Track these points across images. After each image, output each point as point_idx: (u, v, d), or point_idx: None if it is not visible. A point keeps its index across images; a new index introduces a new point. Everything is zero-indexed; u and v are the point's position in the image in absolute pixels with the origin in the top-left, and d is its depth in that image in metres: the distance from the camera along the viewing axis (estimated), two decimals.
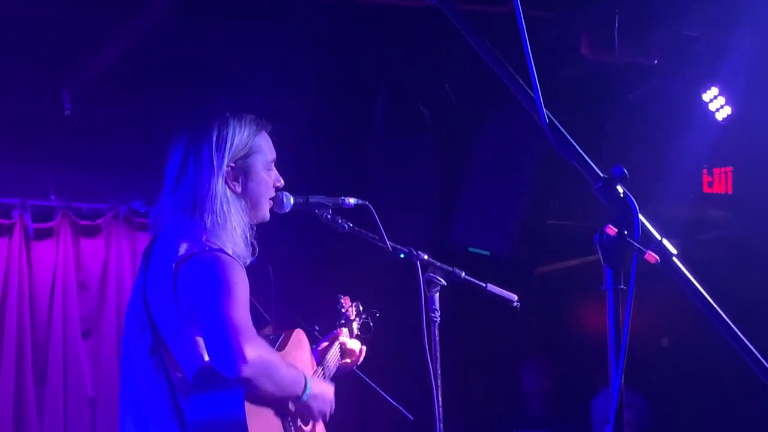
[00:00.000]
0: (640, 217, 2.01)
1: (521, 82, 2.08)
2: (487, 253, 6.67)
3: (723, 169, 6.48)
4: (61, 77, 6.21)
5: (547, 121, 2.06)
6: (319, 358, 3.73)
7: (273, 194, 3.40)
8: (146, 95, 6.42)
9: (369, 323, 4.14)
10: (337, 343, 3.84)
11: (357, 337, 4.03)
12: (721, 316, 2.01)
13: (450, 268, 3.91)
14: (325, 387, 3.33)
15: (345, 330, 3.96)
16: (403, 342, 4.35)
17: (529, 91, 2.06)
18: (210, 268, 3.02)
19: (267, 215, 3.38)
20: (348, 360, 3.90)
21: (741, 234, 6.83)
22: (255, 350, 2.88)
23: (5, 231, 6.47)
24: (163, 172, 3.28)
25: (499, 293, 4.01)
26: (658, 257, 2.00)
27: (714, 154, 6.43)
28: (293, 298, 6.62)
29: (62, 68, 6.13)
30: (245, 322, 2.94)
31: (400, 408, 4.40)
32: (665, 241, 2.03)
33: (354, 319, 4.07)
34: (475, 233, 6.79)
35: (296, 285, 6.83)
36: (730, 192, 6.47)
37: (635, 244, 1.99)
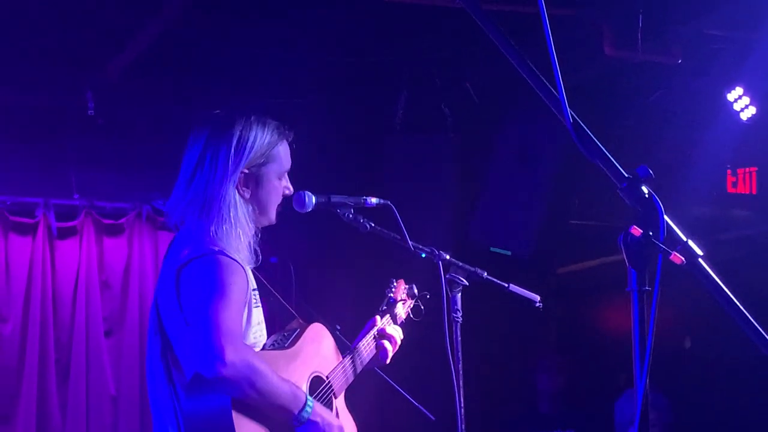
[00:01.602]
0: (666, 218, 2.00)
1: (545, 81, 2.07)
2: (509, 252, 6.64)
3: (747, 170, 6.44)
4: (85, 77, 6.25)
5: (572, 120, 2.04)
6: (353, 346, 3.69)
7: (280, 201, 3.37)
8: (169, 95, 6.46)
9: (420, 306, 4.10)
10: (372, 331, 3.80)
11: (407, 319, 3.99)
12: (748, 317, 2.00)
13: (472, 268, 3.90)
14: (330, 418, 3.21)
15: (387, 316, 3.91)
16: (425, 342, 4.34)
17: (554, 90, 2.04)
18: (205, 270, 3.03)
19: (273, 219, 3.36)
20: (388, 346, 3.78)
21: (765, 234, 6.79)
22: (236, 353, 2.85)
23: (29, 230, 6.51)
24: (180, 164, 3.28)
25: (521, 293, 4.00)
26: (683, 258, 1.99)
27: (738, 154, 6.39)
28: (315, 297, 6.64)
29: (86, 68, 6.16)
30: (232, 323, 2.92)
31: (422, 408, 4.39)
32: (691, 243, 2.01)
33: (402, 302, 4.00)
34: (497, 233, 6.77)
35: (317, 284, 6.84)
36: (754, 192, 6.43)
37: (660, 245, 1.98)
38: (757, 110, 6.01)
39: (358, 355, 3.67)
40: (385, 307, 3.94)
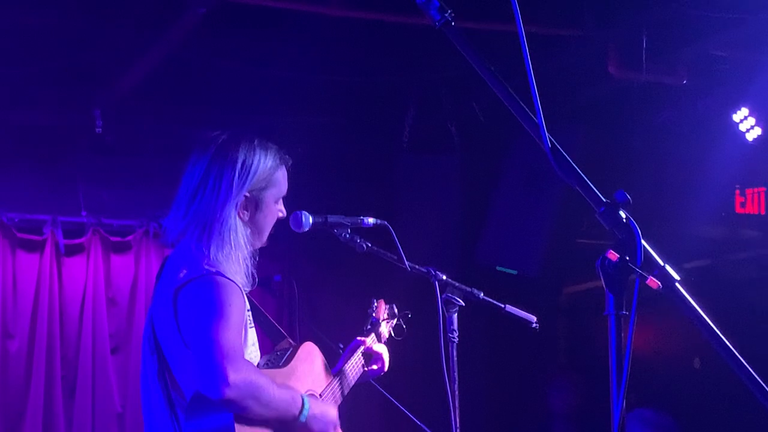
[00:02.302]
0: (643, 242, 2.00)
1: (523, 105, 2.08)
2: (515, 272, 6.64)
3: (756, 190, 6.43)
4: (93, 95, 6.29)
5: (550, 144, 2.05)
6: (339, 368, 3.71)
7: (273, 224, 3.39)
8: (176, 113, 6.49)
9: (402, 325, 4.10)
10: (359, 351, 3.82)
11: (389, 339, 4.00)
12: (724, 342, 2.00)
13: (468, 289, 3.90)
14: (325, 407, 3.30)
15: (372, 336, 3.92)
16: (426, 361, 4.34)
17: (531, 114, 2.05)
18: (204, 290, 3.04)
19: (265, 242, 3.36)
20: (375, 366, 3.84)
21: None
22: (238, 373, 2.88)
23: (37, 247, 6.55)
24: (179, 183, 3.28)
25: (517, 314, 3.99)
26: (660, 283, 1.99)
27: (746, 174, 6.39)
28: (318, 315, 6.65)
29: (94, 87, 6.21)
30: (232, 344, 2.94)
31: (423, 426, 4.39)
32: (668, 267, 2.01)
33: (384, 321, 4.02)
34: (503, 252, 6.77)
35: (321, 302, 6.85)
36: (763, 212, 6.41)
37: (637, 269, 1.98)
38: (762, 131, 6.01)
39: (346, 375, 3.68)
40: (369, 327, 3.94)
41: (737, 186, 6.48)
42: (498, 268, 6.76)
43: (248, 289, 3.22)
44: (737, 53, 5.78)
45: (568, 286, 8.01)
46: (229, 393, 2.86)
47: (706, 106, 6.17)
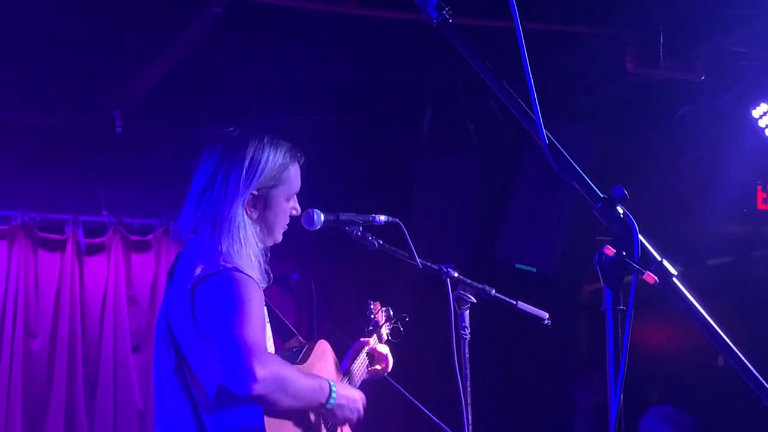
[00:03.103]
0: (640, 237, 2.00)
1: (521, 102, 2.08)
2: (534, 269, 6.62)
3: None
4: (113, 96, 6.33)
5: (547, 141, 2.05)
6: (345, 368, 3.73)
7: (287, 221, 3.38)
8: (195, 113, 6.53)
9: (399, 328, 4.11)
10: (363, 351, 3.83)
11: (387, 342, 4.02)
12: (722, 338, 2.00)
13: (480, 285, 3.90)
14: (352, 392, 3.30)
15: (374, 337, 3.94)
16: (438, 359, 4.35)
17: (529, 110, 2.06)
18: (223, 286, 3.03)
19: (279, 239, 3.35)
20: (379, 366, 3.87)
21: None
22: (265, 367, 2.87)
23: (58, 246, 6.61)
24: (191, 181, 3.28)
25: (529, 311, 3.99)
26: (657, 278, 1.99)
27: None
28: (336, 313, 6.67)
29: (113, 87, 6.25)
30: (256, 339, 2.94)
31: (440, 423, 4.39)
32: (665, 262, 2.01)
33: (383, 324, 4.05)
34: (522, 250, 6.76)
35: (339, 299, 6.87)
36: None
37: (634, 264, 1.98)
38: None
39: (353, 375, 3.70)
40: (370, 328, 3.97)
41: (759, 182, 6.44)
42: (517, 265, 6.75)
43: (264, 286, 3.21)
44: (756, 49, 5.74)
45: (589, 283, 7.98)
46: (258, 388, 2.85)
47: (725, 102, 6.13)
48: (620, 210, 2.03)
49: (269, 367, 2.90)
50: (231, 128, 3.35)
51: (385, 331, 4.01)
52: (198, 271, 3.08)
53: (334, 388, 3.15)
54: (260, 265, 3.21)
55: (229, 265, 3.07)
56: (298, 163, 3.37)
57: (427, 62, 6.34)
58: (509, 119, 6.89)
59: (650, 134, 6.51)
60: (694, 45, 5.73)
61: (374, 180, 6.98)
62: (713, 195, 6.47)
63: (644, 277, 1.99)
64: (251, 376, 2.85)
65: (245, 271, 3.09)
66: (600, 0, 5.55)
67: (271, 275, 3.29)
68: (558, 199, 6.65)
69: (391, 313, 4.08)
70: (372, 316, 4.01)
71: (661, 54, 5.60)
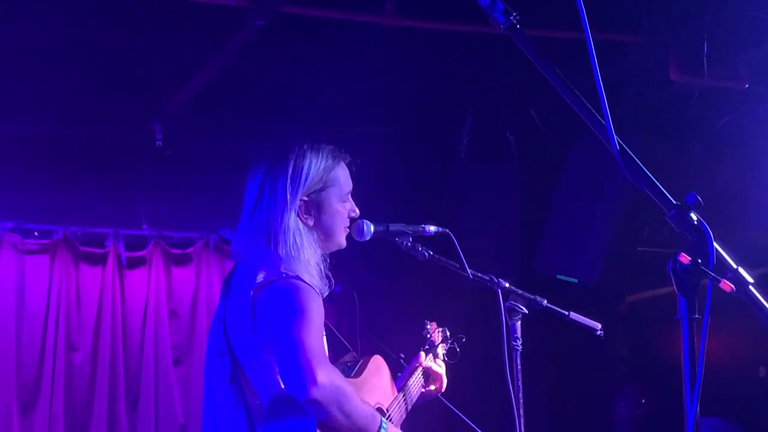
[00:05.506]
0: (715, 245, 1.96)
1: (592, 109, 2.05)
2: (575, 280, 6.58)
3: None
4: (152, 109, 6.35)
5: (618, 148, 2.02)
6: (401, 385, 3.70)
7: (348, 224, 3.37)
8: (234, 125, 6.53)
9: (456, 349, 4.07)
10: (420, 368, 3.81)
11: (444, 362, 3.99)
12: None
13: (532, 296, 3.87)
14: None
15: (430, 355, 3.91)
16: (488, 370, 4.31)
17: (600, 118, 2.02)
18: (286, 294, 3.02)
19: (343, 243, 3.35)
20: (433, 387, 3.85)
21: None
22: (327, 375, 2.85)
23: (99, 260, 6.63)
24: (242, 199, 3.30)
25: (582, 321, 3.94)
26: (733, 286, 1.95)
27: None
28: (379, 326, 6.64)
29: (153, 100, 6.27)
30: (318, 346, 2.92)
31: None
32: (741, 270, 1.97)
33: (439, 345, 4.02)
34: (563, 260, 6.71)
35: (382, 312, 6.84)
36: None
37: (710, 272, 1.94)
38: None
39: (410, 392, 3.67)
40: (427, 347, 3.94)
41: None
42: (558, 276, 6.71)
43: (326, 292, 3.20)
44: None
45: (630, 294, 7.92)
46: (316, 393, 2.82)
47: (766, 110, 6.07)
48: (694, 217, 1.99)
49: (331, 376, 2.87)
50: (273, 143, 3.36)
51: (441, 351, 3.97)
52: (260, 278, 3.07)
53: (384, 424, 3.09)
54: (321, 271, 3.20)
55: (292, 273, 3.06)
56: (344, 162, 3.36)
57: (466, 73, 6.33)
58: (549, 129, 6.88)
59: (691, 142, 6.46)
60: (738, 53, 5.68)
61: (414, 190, 6.96)
62: (755, 204, 6.41)
63: (720, 285, 1.95)
64: (312, 380, 2.82)
65: (306, 280, 3.08)
66: (644, 8, 5.52)
67: (332, 281, 3.28)
68: (599, 210, 6.61)
69: (448, 333, 4.05)
70: (428, 336, 3.98)
71: (705, 62, 5.56)
